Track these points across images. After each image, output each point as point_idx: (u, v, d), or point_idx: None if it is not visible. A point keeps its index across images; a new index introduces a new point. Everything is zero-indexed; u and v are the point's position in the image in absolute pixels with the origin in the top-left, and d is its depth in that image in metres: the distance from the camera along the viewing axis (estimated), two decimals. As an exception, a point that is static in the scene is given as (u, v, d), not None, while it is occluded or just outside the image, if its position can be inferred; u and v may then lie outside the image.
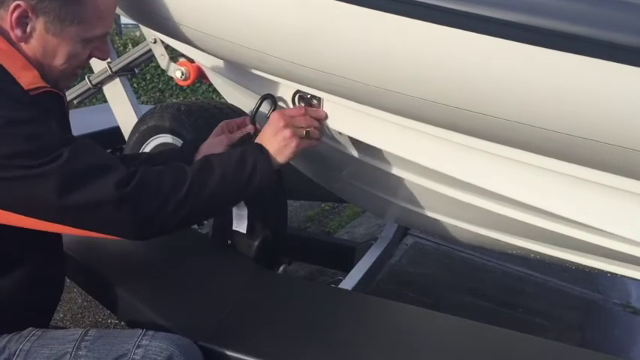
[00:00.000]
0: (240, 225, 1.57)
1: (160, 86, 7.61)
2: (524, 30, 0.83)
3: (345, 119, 1.26)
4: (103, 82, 2.57)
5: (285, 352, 1.13)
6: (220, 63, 1.57)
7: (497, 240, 1.48)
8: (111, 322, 2.33)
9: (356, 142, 1.34)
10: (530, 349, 1.19)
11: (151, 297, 1.31)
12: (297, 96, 1.30)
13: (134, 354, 1.02)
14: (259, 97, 1.35)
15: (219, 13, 1.13)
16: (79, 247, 1.48)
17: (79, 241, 1.51)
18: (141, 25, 1.95)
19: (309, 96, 1.26)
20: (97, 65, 2.55)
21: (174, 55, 2.31)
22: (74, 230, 1.00)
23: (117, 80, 2.55)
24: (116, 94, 2.57)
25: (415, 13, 0.89)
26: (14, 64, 1.01)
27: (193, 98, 7.01)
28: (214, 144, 1.34)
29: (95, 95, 2.81)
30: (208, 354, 1.10)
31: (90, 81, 2.59)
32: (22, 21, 1.01)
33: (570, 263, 1.44)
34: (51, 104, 1.07)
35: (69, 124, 1.20)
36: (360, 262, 2.00)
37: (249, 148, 1.17)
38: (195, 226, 2.18)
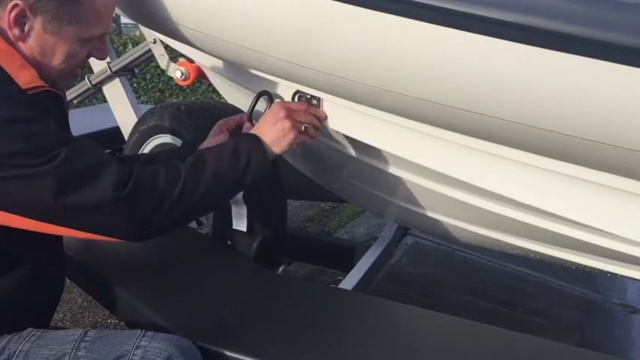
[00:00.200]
0: (240, 224, 1.57)
1: (160, 86, 7.61)
2: (520, 30, 0.83)
3: (344, 119, 1.26)
4: (102, 82, 2.57)
5: (284, 352, 1.13)
6: (220, 63, 1.57)
7: (497, 240, 1.48)
8: (110, 322, 2.33)
9: (355, 142, 1.34)
10: (530, 349, 1.19)
11: (150, 297, 1.31)
12: (296, 96, 1.30)
13: (133, 355, 1.02)
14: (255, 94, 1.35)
15: (218, 13, 1.13)
16: (79, 247, 1.48)
17: (79, 241, 1.50)
18: (140, 25, 1.95)
19: (308, 96, 1.26)
20: (97, 65, 2.55)
21: (173, 55, 2.31)
22: (71, 231, 1.00)
23: (116, 80, 2.55)
24: (116, 94, 2.57)
25: (413, 14, 0.89)
26: (12, 63, 1.01)
27: (193, 98, 7.01)
28: (213, 144, 1.34)
29: (95, 95, 2.81)
30: (208, 354, 1.10)
31: (90, 81, 2.59)
32: (20, 20, 1.01)
33: (570, 263, 1.44)
34: (49, 104, 1.07)
35: (68, 124, 1.19)
36: (359, 262, 1.99)
37: (242, 138, 1.16)
38: (195, 226, 2.19)
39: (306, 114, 1.22)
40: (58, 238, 1.20)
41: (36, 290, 1.13)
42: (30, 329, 1.09)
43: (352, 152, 1.39)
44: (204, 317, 1.24)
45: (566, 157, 1.02)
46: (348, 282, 1.84)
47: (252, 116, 1.35)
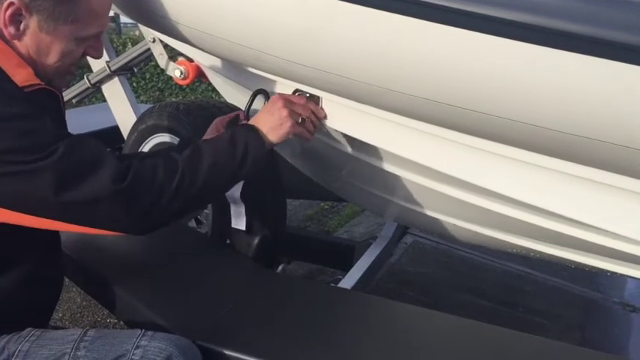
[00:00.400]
0: (239, 222, 1.57)
1: (160, 85, 7.61)
2: (516, 27, 0.83)
3: (344, 118, 1.26)
4: (101, 82, 2.57)
5: (284, 351, 1.13)
6: (219, 62, 1.57)
7: (496, 239, 1.47)
8: (110, 322, 2.33)
9: (355, 141, 1.34)
10: (530, 348, 1.19)
11: (150, 296, 1.31)
12: (296, 95, 1.30)
13: (133, 354, 1.01)
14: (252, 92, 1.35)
15: (217, 11, 1.13)
16: (78, 246, 1.48)
17: (78, 240, 1.51)
18: (139, 25, 1.95)
19: (308, 95, 1.26)
20: (96, 64, 2.55)
21: (173, 54, 2.30)
22: (71, 227, 1.00)
23: (116, 79, 2.54)
24: (115, 93, 2.57)
25: (416, 12, 0.89)
26: (8, 61, 1.01)
27: (193, 97, 7.01)
28: None
29: (94, 94, 2.81)
30: (207, 354, 1.10)
31: (89, 80, 2.58)
32: (15, 19, 1.01)
33: (570, 262, 1.44)
34: (46, 102, 1.07)
35: (65, 122, 1.19)
36: (359, 261, 2.00)
37: (238, 128, 1.16)
38: (194, 226, 2.19)
39: (305, 108, 1.22)
40: (56, 237, 1.20)
41: (34, 290, 1.13)
42: (29, 329, 1.09)
43: (352, 151, 1.38)
44: (204, 316, 1.24)
45: (567, 155, 1.01)
46: (348, 281, 1.84)
47: (249, 114, 1.35)
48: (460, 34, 0.87)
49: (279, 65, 1.15)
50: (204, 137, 1.36)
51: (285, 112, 1.17)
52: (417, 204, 1.51)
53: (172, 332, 1.11)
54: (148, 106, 2.43)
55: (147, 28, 1.98)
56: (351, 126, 1.27)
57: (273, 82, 1.32)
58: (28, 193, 0.94)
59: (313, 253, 2.31)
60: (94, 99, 3.10)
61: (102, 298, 1.47)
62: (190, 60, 2.22)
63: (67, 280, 1.42)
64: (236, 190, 1.47)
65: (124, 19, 7.09)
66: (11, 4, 0.98)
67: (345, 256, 2.17)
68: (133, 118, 2.41)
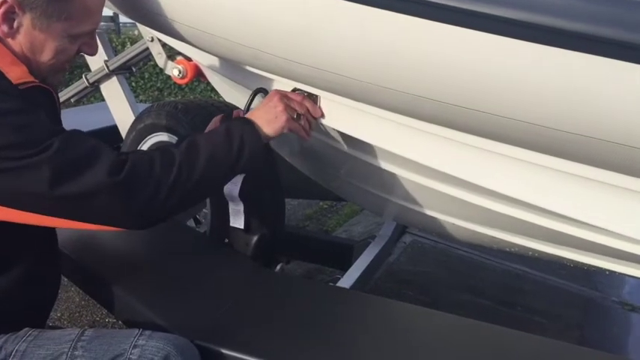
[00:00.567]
0: (238, 221, 1.56)
1: (159, 85, 7.60)
2: (513, 25, 0.83)
3: (342, 117, 1.26)
4: (100, 81, 2.57)
5: (282, 350, 1.13)
6: (218, 61, 1.56)
7: (495, 238, 1.47)
8: (109, 322, 2.33)
9: (354, 140, 1.34)
10: (529, 347, 1.19)
11: (148, 296, 1.31)
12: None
13: (131, 354, 1.01)
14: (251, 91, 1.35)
15: (215, 10, 1.13)
16: (77, 245, 1.48)
17: (77, 239, 1.50)
18: (138, 24, 1.94)
19: (306, 94, 1.26)
20: (95, 64, 2.55)
21: (171, 54, 2.30)
22: (68, 223, 0.99)
23: (114, 79, 2.54)
24: (113, 92, 2.57)
25: (416, 11, 0.89)
26: (2, 59, 1.01)
27: (192, 97, 7.00)
28: None
29: (93, 94, 2.80)
30: (205, 353, 1.09)
31: (87, 79, 2.58)
32: (8, 17, 1.00)
33: (568, 261, 1.44)
34: (41, 99, 1.06)
35: (60, 120, 1.18)
36: (358, 261, 2.00)
37: (234, 121, 1.16)
38: (194, 226, 2.19)
39: (301, 104, 1.22)
40: (53, 236, 1.20)
41: (31, 289, 1.12)
42: (27, 329, 1.09)
43: (350, 150, 1.38)
44: (202, 316, 1.23)
45: (567, 154, 1.01)
46: (347, 280, 1.85)
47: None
48: (465, 33, 0.87)
49: (278, 64, 1.15)
50: (203, 135, 1.36)
51: (280, 107, 1.17)
52: (416, 203, 1.51)
53: (171, 331, 1.11)
54: (147, 105, 2.42)
55: (145, 27, 1.98)
56: (350, 125, 1.27)
57: (272, 80, 1.32)
58: (23, 189, 0.94)
59: (312, 252, 2.31)
60: (92, 98, 3.09)
61: (100, 297, 1.47)
62: (189, 59, 2.22)
63: (65, 279, 1.42)
64: (234, 189, 1.47)
65: (123, 18, 7.09)
66: (4, 2, 0.98)
67: (343, 256, 2.17)
68: (132, 118, 2.41)
